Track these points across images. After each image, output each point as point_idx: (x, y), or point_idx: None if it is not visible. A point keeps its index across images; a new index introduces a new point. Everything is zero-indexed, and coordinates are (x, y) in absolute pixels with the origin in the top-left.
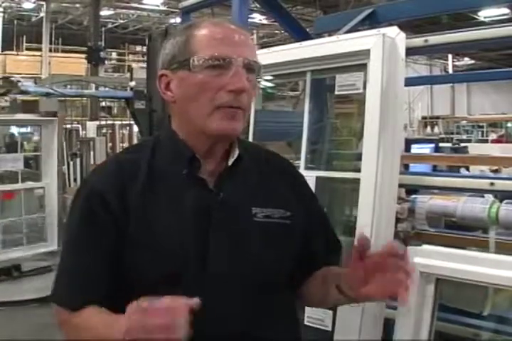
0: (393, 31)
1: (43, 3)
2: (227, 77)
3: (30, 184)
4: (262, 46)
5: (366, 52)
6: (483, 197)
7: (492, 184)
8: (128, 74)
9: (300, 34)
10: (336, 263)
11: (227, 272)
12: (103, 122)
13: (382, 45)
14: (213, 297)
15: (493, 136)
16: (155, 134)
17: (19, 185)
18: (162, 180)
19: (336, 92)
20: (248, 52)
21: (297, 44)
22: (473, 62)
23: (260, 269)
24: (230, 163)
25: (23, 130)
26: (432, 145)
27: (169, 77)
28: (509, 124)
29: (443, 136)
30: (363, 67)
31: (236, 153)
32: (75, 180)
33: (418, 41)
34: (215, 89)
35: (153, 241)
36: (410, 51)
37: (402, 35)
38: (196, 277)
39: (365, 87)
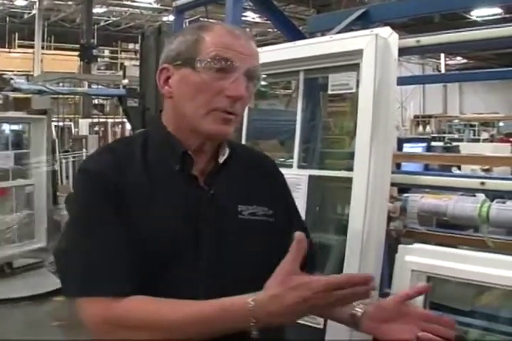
0: (386, 32)
1: (36, 0)
2: (228, 81)
3: (20, 181)
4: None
5: (359, 52)
6: (474, 196)
7: (483, 183)
8: (121, 72)
9: (293, 33)
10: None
11: (218, 264)
12: (95, 120)
13: (375, 45)
14: (207, 287)
15: (484, 136)
16: (144, 129)
17: (10, 183)
18: (154, 174)
19: (329, 92)
20: (252, 61)
21: (290, 44)
22: (465, 61)
23: (246, 263)
24: (221, 160)
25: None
26: (424, 144)
27: (170, 72)
28: (501, 124)
29: (435, 135)
30: (355, 67)
31: (226, 151)
32: (67, 177)
33: (410, 41)
34: (213, 91)
35: (143, 233)
36: (403, 51)
37: (395, 35)
38: (188, 267)
39: (357, 86)
